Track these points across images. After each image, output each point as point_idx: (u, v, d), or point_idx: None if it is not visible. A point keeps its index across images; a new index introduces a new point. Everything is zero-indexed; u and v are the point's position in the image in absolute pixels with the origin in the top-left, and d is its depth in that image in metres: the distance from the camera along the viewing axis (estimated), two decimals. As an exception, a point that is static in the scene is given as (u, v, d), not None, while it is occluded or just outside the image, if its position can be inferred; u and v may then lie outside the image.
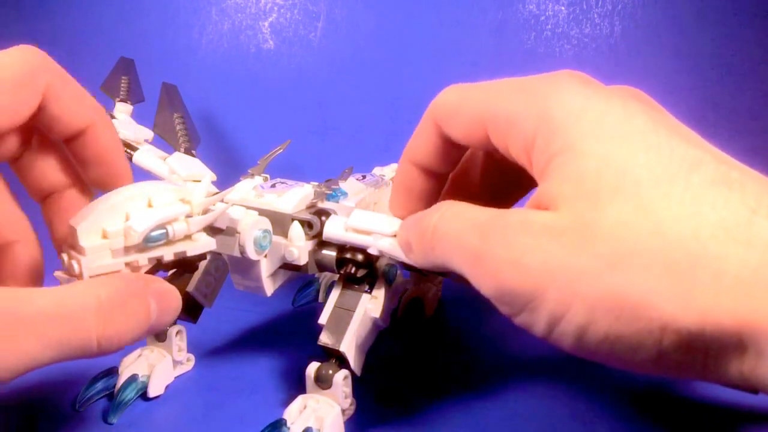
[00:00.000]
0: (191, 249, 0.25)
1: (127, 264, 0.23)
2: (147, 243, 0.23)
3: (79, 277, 0.22)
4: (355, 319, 0.29)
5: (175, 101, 0.41)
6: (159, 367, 0.33)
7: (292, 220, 0.30)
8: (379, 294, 0.30)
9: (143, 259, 0.23)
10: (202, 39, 0.65)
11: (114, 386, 0.32)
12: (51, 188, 0.26)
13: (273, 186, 0.32)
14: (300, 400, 0.29)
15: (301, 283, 0.44)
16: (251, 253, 0.28)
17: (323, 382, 0.29)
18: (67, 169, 0.26)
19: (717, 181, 0.18)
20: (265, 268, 0.30)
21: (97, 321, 0.20)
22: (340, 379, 0.29)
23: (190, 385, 0.35)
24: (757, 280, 0.16)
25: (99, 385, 0.32)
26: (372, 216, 0.29)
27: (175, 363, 0.35)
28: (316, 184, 0.33)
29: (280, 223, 0.30)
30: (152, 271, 0.24)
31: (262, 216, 0.29)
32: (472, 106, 0.23)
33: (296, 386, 0.31)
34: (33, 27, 0.65)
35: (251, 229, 0.28)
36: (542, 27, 0.62)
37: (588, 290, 0.18)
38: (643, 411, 0.32)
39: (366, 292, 0.30)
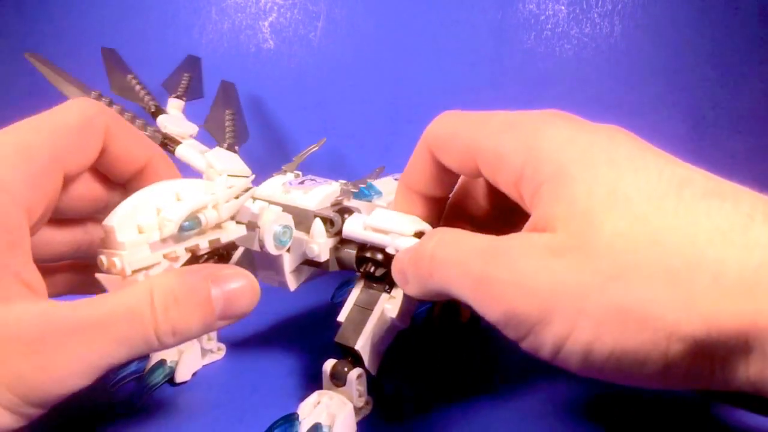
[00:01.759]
0: (224, 236, 0.26)
1: (165, 255, 0.24)
2: (182, 232, 0.24)
3: (122, 272, 0.23)
4: (372, 318, 0.29)
5: (230, 98, 0.42)
6: (187, 354, 0.34)
7: (315, 216, 0.30)
8: (398, 294, 0.30)
9: (180, 249, 0.24)
10: (202, 39, 0.65)
11: (144, 369, 0.33)
12: None
13: (302, 183, 0.32)
14: (315, 395, 0.29)
15: (341, 279, 0.44)
16: (270, 248, 0.28)
17: (338, 379, 0.29)
18: None
19: (708, 193, 0.18)
20: (288, 263, 0.30)
21: (152, 316, 0.21)
22: (354, 377, 0.29)
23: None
24: (758, 281, 0.16)
25: (132, 367, 0.33)
26: (392, 215, 0.29)
27: (205, 351, 0.35)
28: (344, 182, 0.34)
29: (303, 219, 0.30)
30: (189, 262, 0.25)
31: (285, 212, 0.29)
32: (463, 139, 0.24)
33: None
34: (33, 27, 0.65)
35: (271, 224, 0.28)
36: (542, 27, 0.62)
37: (592, 306, 0.18)
38: (646, 411, 0.32)
39: (385, 291, 0.30)
